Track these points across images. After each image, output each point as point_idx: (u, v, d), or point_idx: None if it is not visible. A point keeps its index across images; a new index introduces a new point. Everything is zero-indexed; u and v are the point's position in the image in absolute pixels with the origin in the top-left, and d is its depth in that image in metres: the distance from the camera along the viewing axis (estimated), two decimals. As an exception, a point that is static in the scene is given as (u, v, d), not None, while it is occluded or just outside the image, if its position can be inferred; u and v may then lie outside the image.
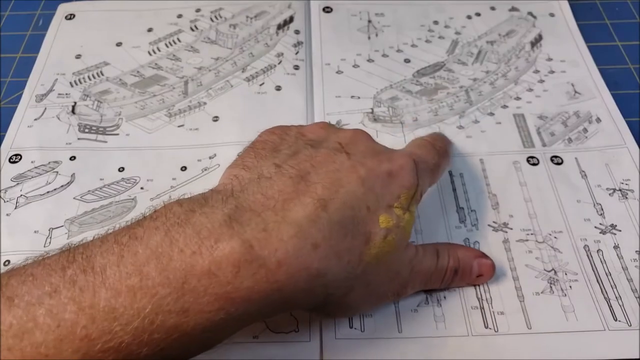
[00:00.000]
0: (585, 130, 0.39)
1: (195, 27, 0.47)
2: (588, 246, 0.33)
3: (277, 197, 0.23)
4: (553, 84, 0.42)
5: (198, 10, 0.48)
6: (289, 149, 0.27)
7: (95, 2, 0.49)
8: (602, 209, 0.35)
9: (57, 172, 0.37)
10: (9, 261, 0.33)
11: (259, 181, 0.24)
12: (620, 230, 0.33)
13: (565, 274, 0.32)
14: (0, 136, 0.39)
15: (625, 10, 0.49)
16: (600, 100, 0.41)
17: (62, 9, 0.48)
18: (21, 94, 0.42)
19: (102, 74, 0.43)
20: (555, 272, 0.32)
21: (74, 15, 0.48)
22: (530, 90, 0.42)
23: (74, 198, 0.36)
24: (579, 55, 0.44)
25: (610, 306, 0.30)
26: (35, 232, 0.34)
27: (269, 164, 0.25)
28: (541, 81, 0.42)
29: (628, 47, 0.45)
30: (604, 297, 0.31)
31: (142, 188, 0.36)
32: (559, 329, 0.29)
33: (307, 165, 0.25)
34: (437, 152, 0.32)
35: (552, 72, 0.43)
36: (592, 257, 0.32)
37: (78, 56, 0.45)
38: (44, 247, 0.33)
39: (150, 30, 0.46)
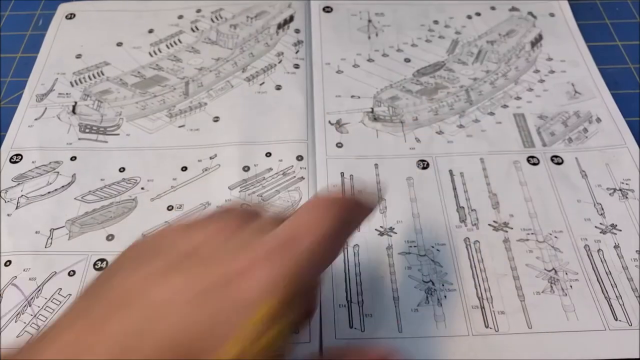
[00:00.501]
0: (585, 130, 0.39)
1: (196, 27, 0.47)
2: (588, 246, 0.33)
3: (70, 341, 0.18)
4: (553, 84, 0.42)
5: (199, 11, 0.48)
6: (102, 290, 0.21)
7: (95, 2, 0.49)
8: (603, 209, 0.35)
9: (57, 172, 0.37)
10: (10, 261, 0.33)
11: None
12: (620, 230, 0.34)
13: (566, 273, 0.32)
14: (1, 136, 0.39)
15: (625, 10, 0.49)
16: (600, 100, 0.41)
17: (62, 9, 0.48)
18: (21, 94, 0.42)
19: (103, 74, 0.43)
20: (555, 272, 0.32)
21: (74, 15, 0.48)
22: (531, 90, 0.42)
23: (74, 198, 0.36)
24: (579, 55, 0.44)
25: (610, 306, 0.30)
26: (36, 232, 0.34)
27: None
28: (541, 81, 0.42)
29: (628, 47, 0.45)
30: (605, 297, 0.31)
31: (142, 188, 0.36)
32: (559, 328, 0.29)
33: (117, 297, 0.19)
34: (337, 218, 0.22)
35: (552, 72, 0.43)
36: (592, 256, 0.32)
37: (78, 56, 0.45)
38: (45, 247, 0.33)
39: (151, 31, 0.46)
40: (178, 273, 0.20)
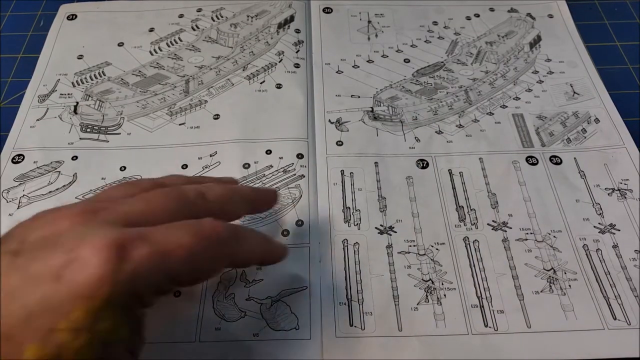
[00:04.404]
0: (584, 130, 0.39)
1: (197, 26, 0.47)
2: (587, 245, 0.33)
3: None
4: (552, 85, 0.42)
5: (199, 10, 0.48)
6: None
7: (96, 3, 0.49)
8: (601, 209, 0.35)
9: (59, 172, 0.37)
10: (11, 260, 0.33)
11: None
12: (619, 230, 0.34)
13: (565, 273, 0.32)
14: (3, 136, 0.39)
15: (624, 10, 0.49)
16: (599, 101, 0.41)
17: (64, 10, 0.49)
18: (23, 94, 0.42)
19: (104, 74, 0.43)
20: (554, 271, 0.32)
21: (76, 16, 0.48)
22: (529, 90, 0.42)
23: (75, 198, 0.36)
24: (577, 56, 0.44)
25: (609, 305, 0.30)
26: (37, 231, 0.34)
27: None
28: (540, 81, 0.42)
29: (627, 47, 0.46)
30: (603, 296, 0.31)
31: (143, 187, 0.36)
32: (558, 327, 0.30)
33: None
34: (198, 233, 0.21)
35: (550, 72, 0.43)
36: (591, 256, 0.33)
37: (80, 56, 0.45)
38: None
39: (151, 30, 0.47)
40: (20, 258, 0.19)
